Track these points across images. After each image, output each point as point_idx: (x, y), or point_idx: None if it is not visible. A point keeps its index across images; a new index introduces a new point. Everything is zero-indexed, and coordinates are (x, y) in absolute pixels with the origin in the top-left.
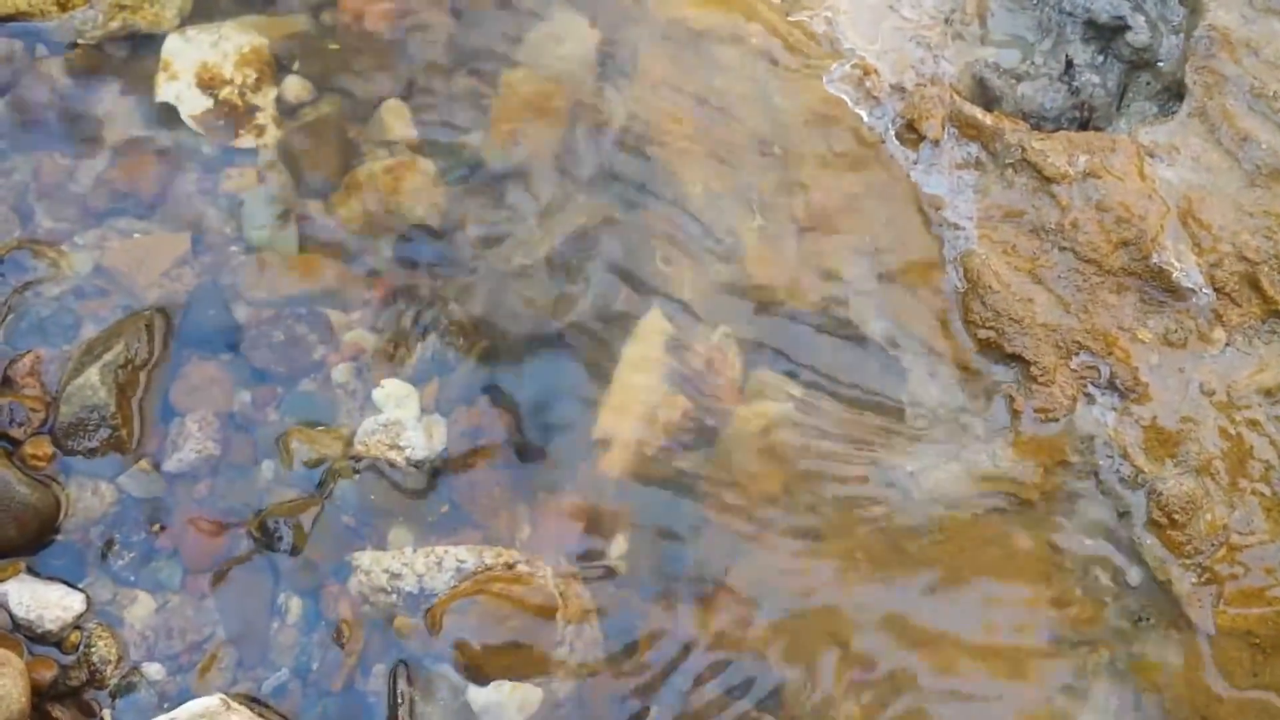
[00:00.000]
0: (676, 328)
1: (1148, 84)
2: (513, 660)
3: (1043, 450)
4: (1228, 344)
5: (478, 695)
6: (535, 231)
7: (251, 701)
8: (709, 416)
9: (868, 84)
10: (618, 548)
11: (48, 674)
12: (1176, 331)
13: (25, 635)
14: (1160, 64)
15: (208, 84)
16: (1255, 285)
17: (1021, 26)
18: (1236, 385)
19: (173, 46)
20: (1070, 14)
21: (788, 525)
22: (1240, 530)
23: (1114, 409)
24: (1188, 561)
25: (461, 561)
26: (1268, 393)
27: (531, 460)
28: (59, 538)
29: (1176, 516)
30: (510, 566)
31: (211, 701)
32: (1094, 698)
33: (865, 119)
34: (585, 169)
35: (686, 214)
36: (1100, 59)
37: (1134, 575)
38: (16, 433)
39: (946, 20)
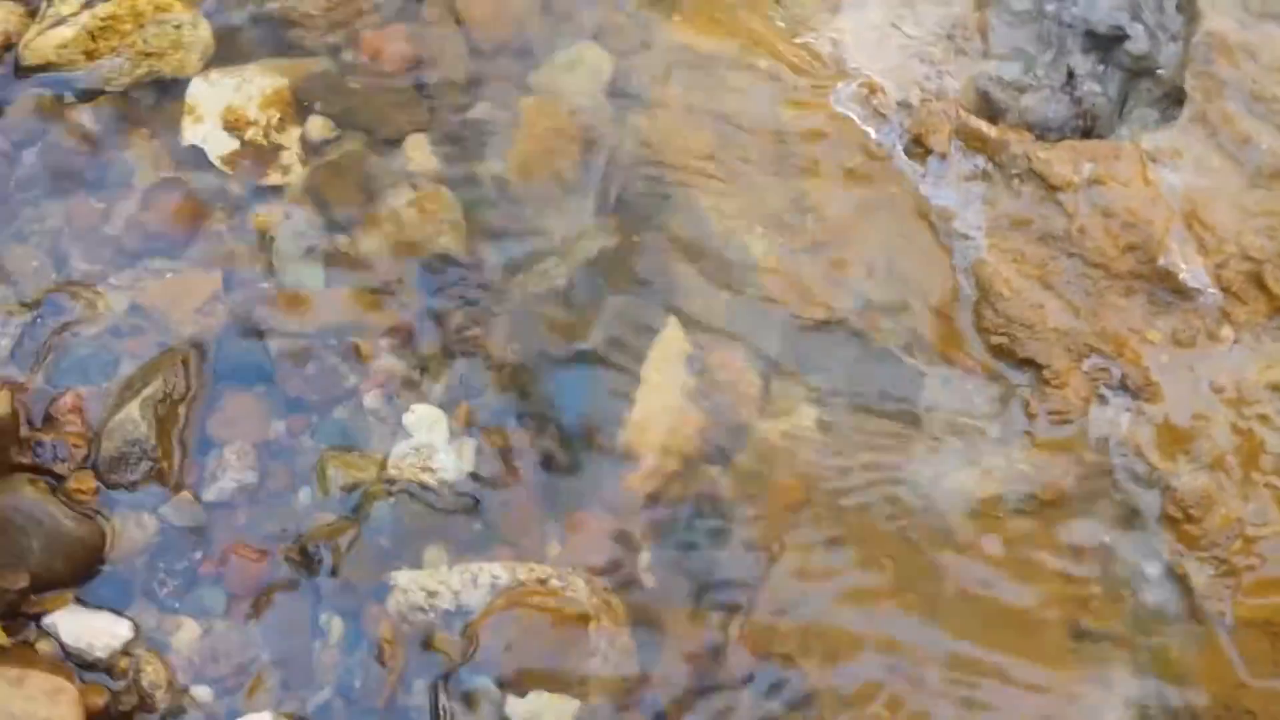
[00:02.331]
0: (696, 345)
1: (1148, 91)
2: (549, 672)
3: (1058, 452)
4: (1236, 342)
5: (517, 706)
6: (556, 256)
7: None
8: (730, 430)
9: (874, 102)
10: (645, 560)
11: (99, 700)
12: (1185, 331)
13: (76, 663)
14: (1160, 71)
15: (233, 126)
16: (1260, 284)
17: (1022, 40)
18: (1246, 382)
19: (197, 90)
20: (1070, 26)
21: (811, 534)
22: (1255, 523)
23: (1127, 409)
24: (1204, 555)
25: (496, 578)
26: (1277, 388)
27: (559, 478)
28: (105, 568)
29: (1192, 511)
30: (543, 581)
31: (264, 717)
32: (1117, 689)
33: (873, 136)
34: (602, 193)
35: (702, 233)
36: (1101, 68)
37: (1152, 570)
38: (61, 468)
39: (949, 36)
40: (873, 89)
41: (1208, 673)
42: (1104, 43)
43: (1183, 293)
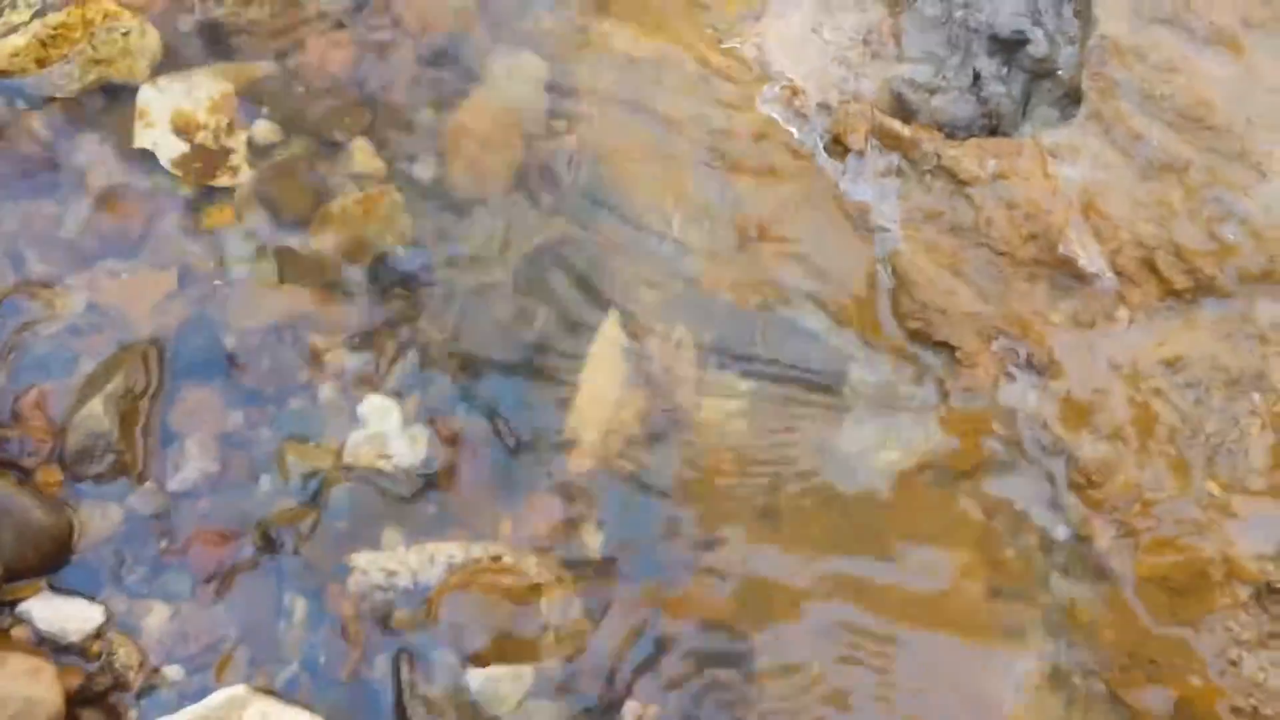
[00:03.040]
0: (633, 333)
1: (1049, 91)
2: (504, 644)
3: (971, 425)
4: (1131, 322)
5: (475, 677)
6: (498, 251)
7: (268, 694)
8: (668, 412)
9: (796, 103)
10: (592, 537)
11: (75, 681)
12: (1085, 313)
13: (50, 647)
14: (1059, 72)
15: (183, 129)
16: (1153, 268)
17: (932, 44)
18: (1141, 359)
19: (147, 96)
20: (975, 30)
21: (746, 507)
22: (1151, 488)
23: (1033, 385)
24: (1107, 518)
25: (451, 557)
26: (1168, 364)
27: (508, 462)
28: (75, 557)
29: (1094, 478)
30: (496, 559)
31: (237, 690)
32: (1031, 642)
33: (796, 135)
34: (541, 191)
35: (637, 228)
36: (1005, 70)
37: (1060, 532)
38: (28, 462)
39: (864, 41)
40: (795, 91)
41: (1113, 626)
42: (1007, 46)
43: (1082, 278)
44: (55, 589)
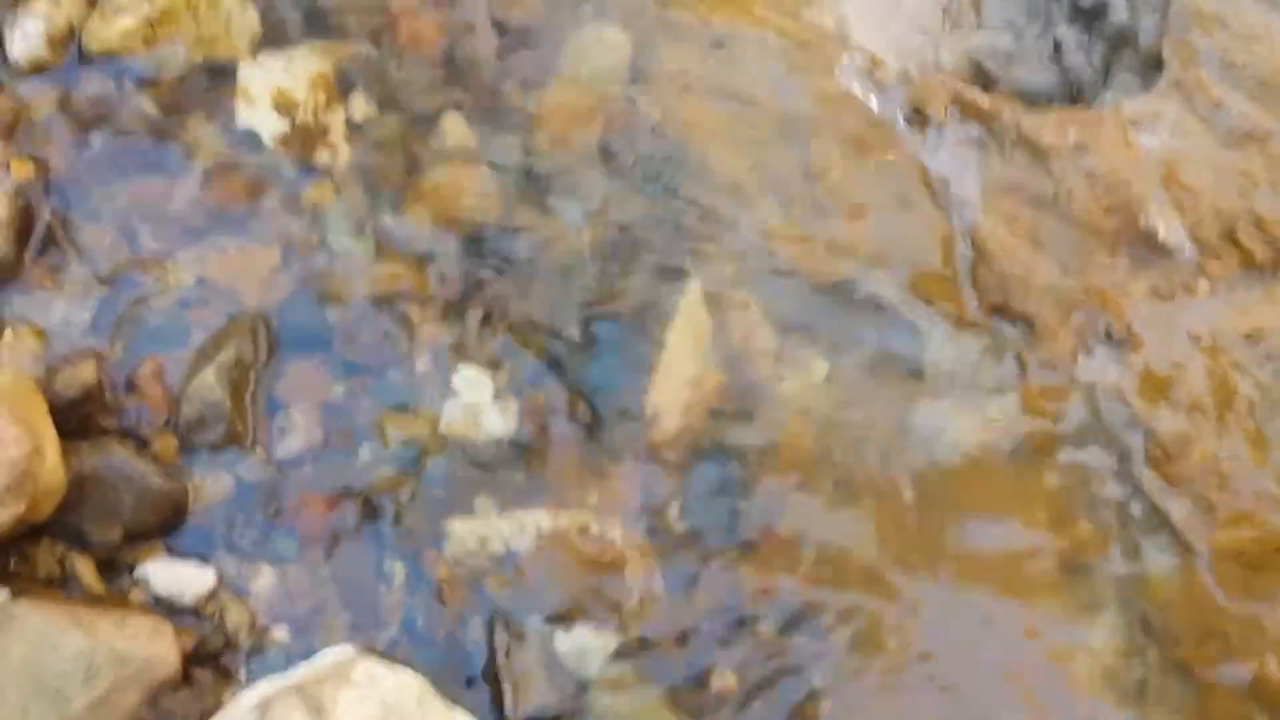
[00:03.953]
0: (715, 306)
1: (1129, 59)
2: (590, 609)
3: (1050, 399)
4: (1211, 294)
5: (562, 640)
6: (583, 226)
7: (371, 653)
8: (748, 386)
9: (876, 74)
10: (674, 508)
11: (190, 641)
12: (1164, 285)
13: (167, 608)
14: (1141, 40)
15: (283, 107)
16: (1233, 240)
17: (1012, 12)
18: (1220, 331)
19: (248, 74)
20: None
21: (825, 479)
22: (1229, 461)
23: (1112, 359)
24: (1183, 492)
25: (541, 524)
26: (1248, 336)
27: (594, 433)
28: (189, 521)
29: (1171, 451)
30: (583, 528)
31: (347, 649)
32: (1106, 614)
33: (875, 106)
34: (624, 165)
35: (718, 201)
36: (1085, 39)
37: (1136, 507)
38: (145, 431)
39: (945, 10)
40: (874, 62)
41: (1187, 599)
42: (1088, 14)
43: (1162, 250)
44: (171, 552)
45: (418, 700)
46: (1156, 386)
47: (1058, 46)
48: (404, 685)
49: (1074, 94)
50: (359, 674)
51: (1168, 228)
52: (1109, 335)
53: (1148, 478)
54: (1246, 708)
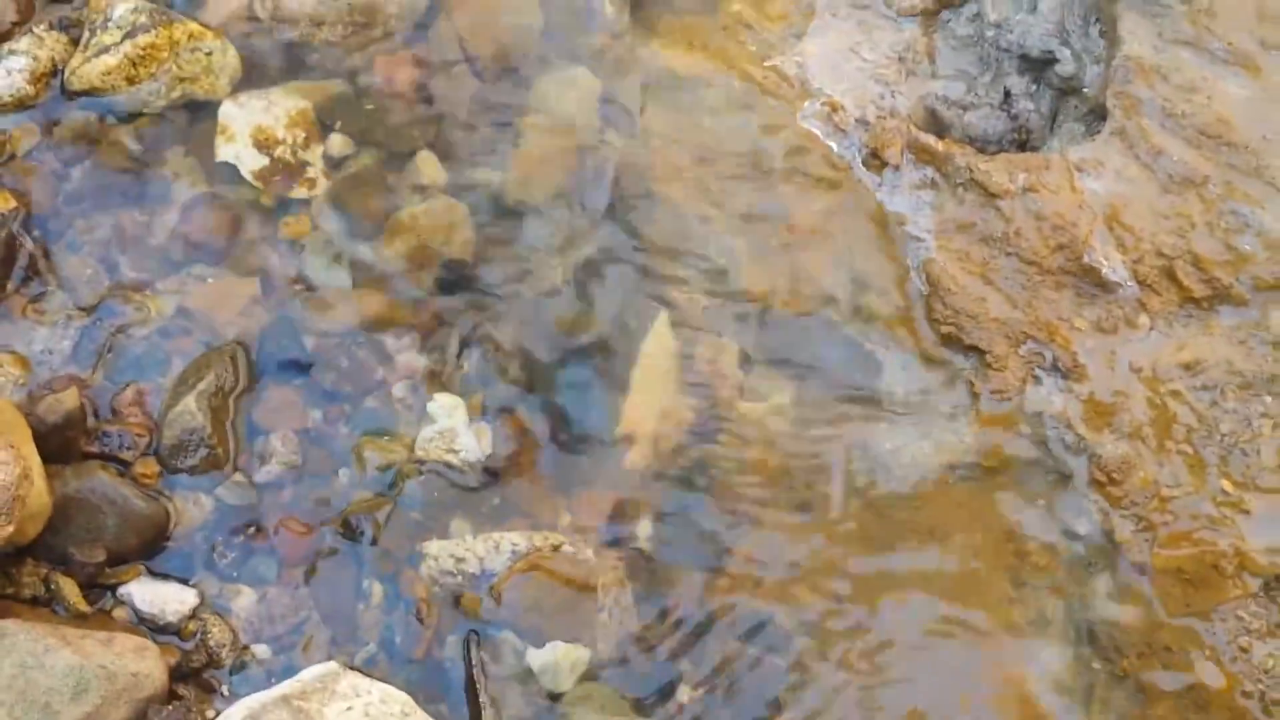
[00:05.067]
0: (682, 337)
1: (1076, 108)
2: (563, 626)
3: (999, 426)
4: (1151, 328)
5: (536, 656)
6: (554, 259)
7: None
8: (714, 412)
9: (835, 119)
10: (644, 528)
11: (173, 659)
12: (1107, 319)
13: (149, 627)
14: (1086, 90)
15: (263, 144)
16: (1172, 277)
17: (965, 62)
18: (1160, 363)
19: (228, 111)
20: (1006, 50)
21: (786, 501)
22: (1168, 484)
23: (1058, 388)
24: (1126, 513)
25: (515, 545)
26: (1186, 367)
27: (566, 457)
28: (170, 544)
29: (1114, 475)
30: (556, 547)
31: (331, 665)
32: (1053, 628)
33: (835, 149)
34: (594, 202)
35: (685, 236)
36: (1034, 88)
37: (1082, 527)
38: (127, 455)
39: (900, 59)
40: (834, 107)
41: (1131, 614)
42: (1037, 65)
43: (1105, 286)
44: (153, 573)
45: (402, 713)
46: (1100, 414)
47: (1007, 95)
48: (389, 698)
49: (1023, 140)
50: (344, 687)
51: (1111, 265)
52: (1055, 366)
53: (1093, 500)
54: (1187, 715)
